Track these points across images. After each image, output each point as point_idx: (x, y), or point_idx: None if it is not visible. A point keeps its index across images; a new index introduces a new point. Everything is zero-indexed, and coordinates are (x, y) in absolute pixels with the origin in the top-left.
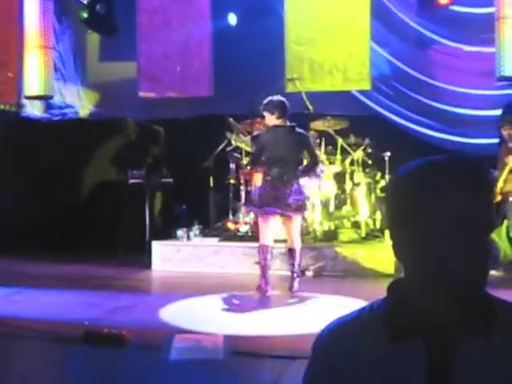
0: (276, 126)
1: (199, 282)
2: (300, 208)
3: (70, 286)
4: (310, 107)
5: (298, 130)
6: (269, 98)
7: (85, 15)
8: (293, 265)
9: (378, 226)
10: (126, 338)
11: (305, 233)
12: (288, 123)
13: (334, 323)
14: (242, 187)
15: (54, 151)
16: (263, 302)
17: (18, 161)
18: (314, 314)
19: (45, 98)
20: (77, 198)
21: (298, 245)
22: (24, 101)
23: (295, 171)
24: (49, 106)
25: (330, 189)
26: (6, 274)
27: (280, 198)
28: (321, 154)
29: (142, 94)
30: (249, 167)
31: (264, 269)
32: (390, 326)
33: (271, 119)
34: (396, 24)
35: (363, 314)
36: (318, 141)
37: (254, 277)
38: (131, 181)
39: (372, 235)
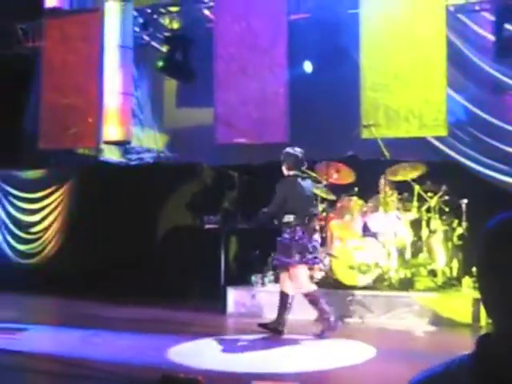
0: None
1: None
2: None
3: (145, 330)
4: (386, 154)
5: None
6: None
7: (160, 64)
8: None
9: (454, 274)
10: (202, 383)
11: (381, 280)
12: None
13: (422, 376)
14: (318, 233)
15: (130, 195)
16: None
17: (95, 204)
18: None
19: (123, 143)
20: (152, 242)
21: None
22: (102, 145)
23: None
24: (126, 151)
25: (406, 236)
26: (82, 316)
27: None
28: (395, 201)
29: (218, 140)
30: (324, 213)
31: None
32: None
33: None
34: (472, 70)
35: (451, 368)
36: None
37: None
38: (207, 226)
39: (449, 284)
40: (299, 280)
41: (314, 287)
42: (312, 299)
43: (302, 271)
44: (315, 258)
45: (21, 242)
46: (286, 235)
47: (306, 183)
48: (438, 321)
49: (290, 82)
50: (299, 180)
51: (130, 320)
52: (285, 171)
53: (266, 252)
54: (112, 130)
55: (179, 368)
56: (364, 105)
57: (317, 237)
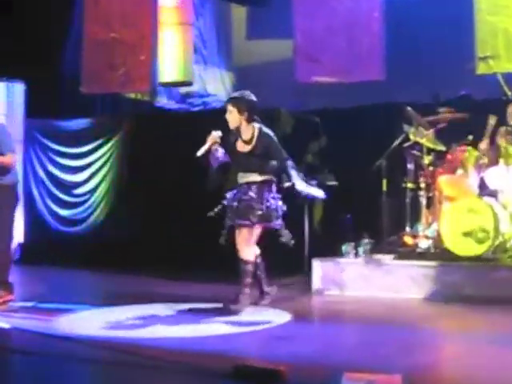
0: None
1: (368, 310)
2: None
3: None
4: (509, 92)
5: None
6: None
7: None
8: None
9: None
10: (284, 374)
11: (502, 250)
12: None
13: None
14: (422, 192)
15: (192, 149)
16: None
17: (150, 160)
18: None
19: (183, 85)
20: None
21: None
22: (159, 88)
23: None
24: (187, 95)
25: None
26: (137, 295)
27: None
28: None
29: (298, 78)
30: (431, 167)
31: None
32: None
33: None
34: None
35: None
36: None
37: (437, 306)
38: (286, 184)
39: None
40: None
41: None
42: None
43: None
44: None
45: (63, 207)
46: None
47: None
48: None
49: (387, 5)
50: None
51: (197, 299)
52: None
53: (360, 215)
54: (169, 69)
55: (257, 356)
56: (479, 32)
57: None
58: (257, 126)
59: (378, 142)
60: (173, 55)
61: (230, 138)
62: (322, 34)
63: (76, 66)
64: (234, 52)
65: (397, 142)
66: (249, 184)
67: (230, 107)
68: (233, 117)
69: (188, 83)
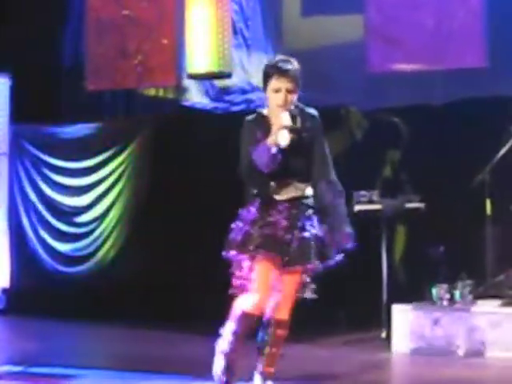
0: None
1: (473, 374)
2: None
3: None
4: None
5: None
6: None
7: None
8: None
9: None
10: None
11: None
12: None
13: None
14: None
15: (231, 159)
16: None
17: (177, 173)
18: None
19: (219, 77)
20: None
21: None
22: (187, 82)
23: None
24: (225, 90)
25: None
26: (157, 357)
27: None
28: None
29: (371, 66)
30: None
31: None
32: None
33: None
34: None
35: None
36: None
37: None
38: (358, 207)
39: None
40: None
41: None
42: None
43: None
44: None
45: (61, 240)
46: None
47: None
48: None
49: None
50: None
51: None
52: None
53: (456, 248)
54: (200, 56)
55: None
56: None
57: None
58: None
59: (480, 149)
60: (205, 38)
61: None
62: (403, 7)
63: (78, 54)
64: (286, 33)
65: (504, 150)
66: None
67: (292, 84)
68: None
69: (226, 74)
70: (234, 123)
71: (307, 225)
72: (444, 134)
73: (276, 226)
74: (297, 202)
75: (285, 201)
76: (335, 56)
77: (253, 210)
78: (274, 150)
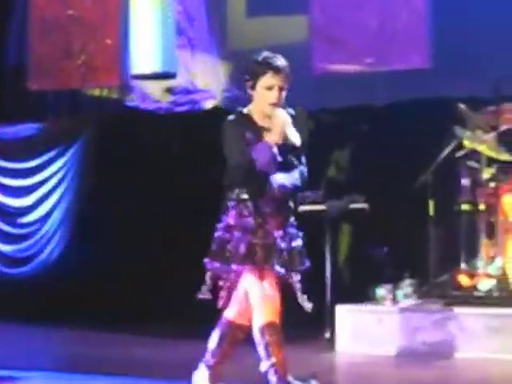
0: None
1: (415, 375)
2: None
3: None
4: None
5: None
6: None
7: None
8: None
9: None
10: None
11: None
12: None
13: None
14: (482, 216)
15: (176, 159)
16: None
17: (121, 174)
18: None
19: (163, 77)
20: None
21: None
22: (131, 82)
23: None
24: (169, 90)
25: None
26: (104, 358)
27: None
28: None
29: (316, 67)
30: (493, 183)
31: None
32: None
33: None
34: None
35: None
36: None
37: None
38: (302, 208)
39: None
40: None
41: None
42: None
43: None
44: None
45: (5, 240)
46: None
47: None
48: None
49: None
50: None
51: (178, 365)
52: None
53: (399, 248)
54: (144, 56)
55: None
56: None
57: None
58: None
59: (423, 150)
60: (149, 38)
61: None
62: (347, 8)
63: (22, 53)
64: (231, 34)
65: (447, 151)
66: None
67: (285, 81)
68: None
69: (170, 75)
70: (178, 123)
71: (294, 232)
72: (387, 135)
73: (273, 235)
74: (284, 206)
75: (275, 205)
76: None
77: (248, 216)
78: (275, 148)
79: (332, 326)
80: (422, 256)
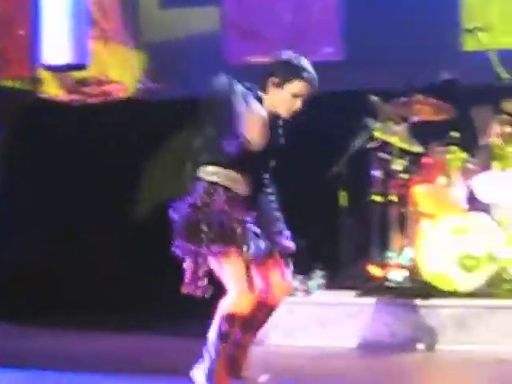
0: None
1: (324, 365)
2: None
3: (111, 369)
4: (504, 75)
5: None
6: None
7: None
8: None
9: None
10: None
11: (498, 282)
12: None
13: None
14: (393, 207)
15: (89, 152)
16: None
17: (32, 168)
18: None
19: (76, 69)
20: (132, 229)
21: None
22: (43, 74)
23: None
24: (82, 82)
25: None
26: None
27: None
28: None
29: (228, 58)
30: (404, 175)
31: None
32: None
33: None
34: None
35: None
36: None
37: (417, 357)
38: None
39: None
40: None
41: None
42: None
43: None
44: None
45: None
46: None
47: None
48: None
49: None
50: None
51: (98, 357)
52: None
53: (311, 239)
54: (57, 48)
55: None
56: None
57: None
58: None
59: (334, 142)
60: (61, 30)
61: None
62: (260, 1)
63: None
64: (144, 25)
65: (358, 142)
66: None
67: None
68: None
69: (82, 66)
70: (91, 115)
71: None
72: (300, 127)
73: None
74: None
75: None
76: (193, 48)
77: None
78: None
79: None
80: (334, 247)
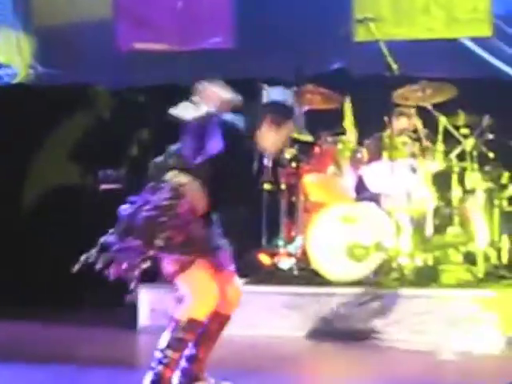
0: None
1: (216, 352)
2: None
3: (7, 359)
4: (394, 66)
5: None
6: None
7: None
8: None
9: (504, 259)
10: None
11: (386, 271)
12: None
13: None
14: (284, 196)
15: None
16: None
17: None
18: None
19: None
20: (16, 216)
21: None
22: None
23: None
24: None
25: (426, 199)
26: None
27: None
28: (408, 142)
29: (119, 45)
30: (294, 164)
31: None
32: None
33: None
34: None
35: None
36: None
37: (303, 344)
38: (103, 186)
39: (495, 275)
40: None
41: None
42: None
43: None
44: None
45: None
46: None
47: None
48: (477, 336)
49: None
50: None
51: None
52: None
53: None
54: None
55: None
56: None
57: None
58: None
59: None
60: None
61: None
62: None
63: None
64: (35, 9)
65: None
66: None
67: None
68: None
69: None
70: None
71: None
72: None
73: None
74: None
75: None
76: (84, 33)
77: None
78: None
79: (134, 306)
80: (226, 235)
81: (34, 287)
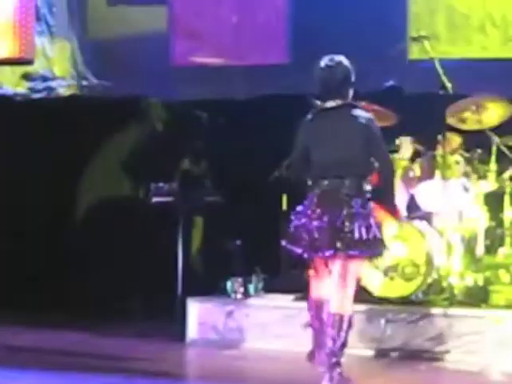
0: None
1: (261, 368)
2: (362, 246)
3: (60, 367)
4: (448, 84)
5: (358, 111)
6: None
7: None
8: (332, 341)
9: None
10: None
11: (436, 290)
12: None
13: None
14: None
15: (31, 147)
16: None
17: None
18: None
19: (21, 63)
20: (65, 228)
21: (344, 309)
22: None
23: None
24: (26, 77)
25: (477, 219)
26: None
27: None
28: (461, 161)
29: (174, 59)
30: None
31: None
32: None
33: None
34: None
35: None
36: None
37: (355, 362)
38: (155, 199)
39: None
40: None
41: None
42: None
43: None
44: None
45: None
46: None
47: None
48: None
49: None
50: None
51: (33, 351)
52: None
53: (252, 242)
54: (1, 42)
55: None
56: (413, 5)
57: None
58: None
59: (278, 145)
60: (6, 24)
61: None
62: (207, 1)
63: None
64: (91, 22)
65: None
66: None
67: None
68: None
69: (27, 61)
70: (34, 110)
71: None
72: (245, 130)
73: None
74: None
75: None
76: (139, 46)
77: None
78: None
79: (183, 318)
80: (274, 251)
81: (81, 299)
